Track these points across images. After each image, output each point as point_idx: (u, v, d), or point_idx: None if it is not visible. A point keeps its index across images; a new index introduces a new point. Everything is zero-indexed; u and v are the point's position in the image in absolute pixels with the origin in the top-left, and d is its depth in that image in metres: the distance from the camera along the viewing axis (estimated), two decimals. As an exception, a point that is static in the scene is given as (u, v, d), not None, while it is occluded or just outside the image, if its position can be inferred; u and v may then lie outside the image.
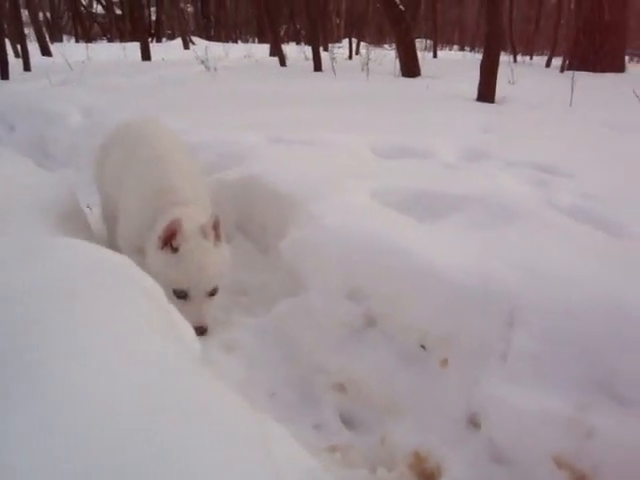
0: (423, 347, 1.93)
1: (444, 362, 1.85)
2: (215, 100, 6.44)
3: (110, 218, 2.75)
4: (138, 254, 2.24)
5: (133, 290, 1.46)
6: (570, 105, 6.32)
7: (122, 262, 1.58)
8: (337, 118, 5.04)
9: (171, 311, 1.56)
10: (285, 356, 2.21)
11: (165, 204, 2.25)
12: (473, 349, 1.79)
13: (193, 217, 2.18)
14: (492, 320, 1.78)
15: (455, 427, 1.77)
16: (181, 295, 2.13)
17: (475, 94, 6.71)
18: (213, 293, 2.21)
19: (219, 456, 0.98)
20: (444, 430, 1.78)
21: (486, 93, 6.63)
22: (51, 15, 32.51)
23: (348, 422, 2.01)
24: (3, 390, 0.95)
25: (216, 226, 2.15)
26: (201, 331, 2.07)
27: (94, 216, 3.30)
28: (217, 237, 2.17)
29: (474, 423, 1.74)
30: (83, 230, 2.54)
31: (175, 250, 2.10)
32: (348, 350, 2.08)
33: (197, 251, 2.10)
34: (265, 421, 1.39)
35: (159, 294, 1.61)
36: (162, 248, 2.11)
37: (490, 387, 1.69)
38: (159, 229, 2.13)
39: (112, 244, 2.55)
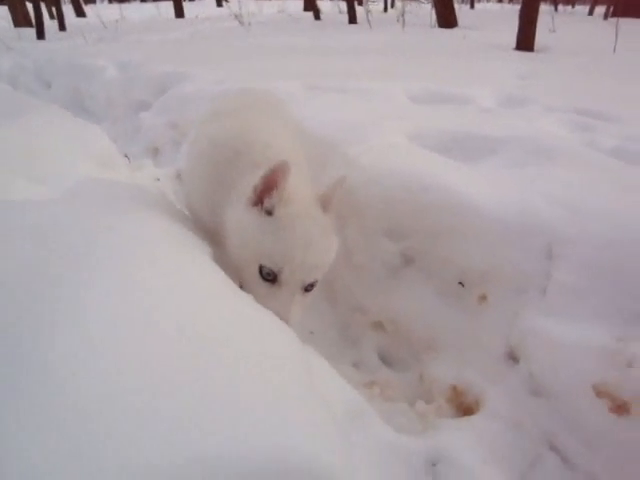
0: (461, 284, 1.92)
1: (482, 298, 1.84)
2: (249, 53, 6.41)
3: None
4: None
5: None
6: (614, 52, 6.13)
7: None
8: (372, 68, 4.98)
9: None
10: (323, 295, 2.22)
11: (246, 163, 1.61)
12: (512, 284, 1.78)
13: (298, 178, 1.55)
14: (531, 254, 1.76)
15: (494, 362, 1.77)
16: (269, 277, 1.46)
17: (514, 44, 6.55)
18: (309, 288, 1.53)
19: (266, 376, 1.00)
20: (483, 365, 1.79)
21: (525, 42, 6.46)
22: (84, -24, 32.67)
23: (387, 360, 2.03)
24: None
25: (329, 196, 1.58)
26: None
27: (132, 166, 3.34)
28: (325, 208, 1.58)
29: (513, 357, 1.74)
30: (124, 176, 2.56)
31: (269, 213, 1.46)
32: (386, 289, 2.08)
33: (306, 221, 1.47)
34: (308, 353, 1.41)
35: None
36: (255, 205, 1.48)
37: (529, 320, 1.68)
38: (250, 181, 1.50)
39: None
